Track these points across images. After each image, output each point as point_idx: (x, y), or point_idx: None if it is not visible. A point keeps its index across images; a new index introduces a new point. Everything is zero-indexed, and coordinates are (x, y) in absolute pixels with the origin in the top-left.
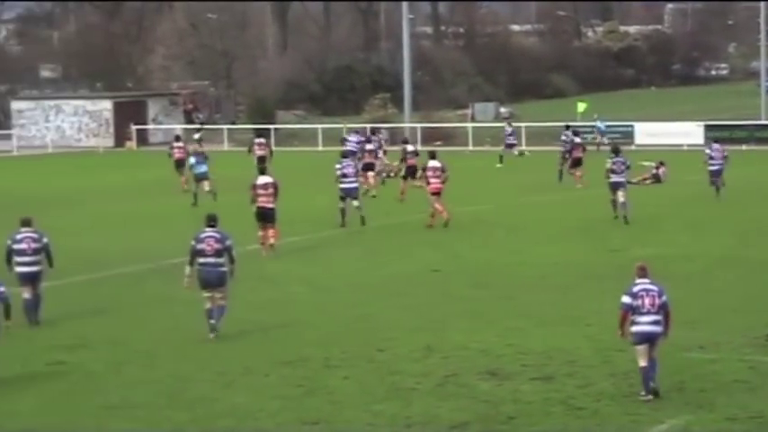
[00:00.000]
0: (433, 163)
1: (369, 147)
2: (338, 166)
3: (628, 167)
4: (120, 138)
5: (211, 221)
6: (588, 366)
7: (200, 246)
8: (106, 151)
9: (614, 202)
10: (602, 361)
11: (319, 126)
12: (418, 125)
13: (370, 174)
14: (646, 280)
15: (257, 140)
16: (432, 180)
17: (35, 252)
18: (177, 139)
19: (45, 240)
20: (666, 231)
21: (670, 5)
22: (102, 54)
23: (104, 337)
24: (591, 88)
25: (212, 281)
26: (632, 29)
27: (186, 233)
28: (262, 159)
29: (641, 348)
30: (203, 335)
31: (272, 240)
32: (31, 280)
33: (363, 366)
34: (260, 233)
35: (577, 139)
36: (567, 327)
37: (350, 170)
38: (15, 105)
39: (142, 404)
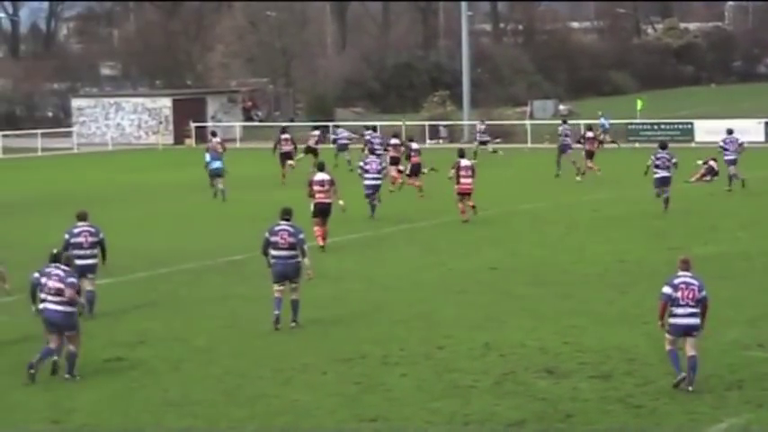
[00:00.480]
0: (464, 162)
1: (393, 141)
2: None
3: (675, 164)
4: (180, 135)
5: (286, 215)
6: (647, 364)
7: (273, 238)
8: (165, 148)
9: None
10: (661, 359)
11: (378, 123)
12: (477, 122)
13: (393, 168)
14: (688, 273)
15: (283, 136)
16: (463, 180)
17: (92, 246)
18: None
19: (101, 235)
20: (725, 229)
21: (730, 3)
22: (161, 52)
23: (163, 333)
24: (650, 85)
25: (288, 273)
26: (692, 26)
27: (243, 230)
28: (288, 155)
29: (671, 338)
30: (261, 331)
31: (323, 242)
32: (87, 273)
33: (421, 364)
34: (316, 228)
35: (590, 134)
36: (625, 325)
37: (374, 166)
38: (76, 103)
39: (201, 401)
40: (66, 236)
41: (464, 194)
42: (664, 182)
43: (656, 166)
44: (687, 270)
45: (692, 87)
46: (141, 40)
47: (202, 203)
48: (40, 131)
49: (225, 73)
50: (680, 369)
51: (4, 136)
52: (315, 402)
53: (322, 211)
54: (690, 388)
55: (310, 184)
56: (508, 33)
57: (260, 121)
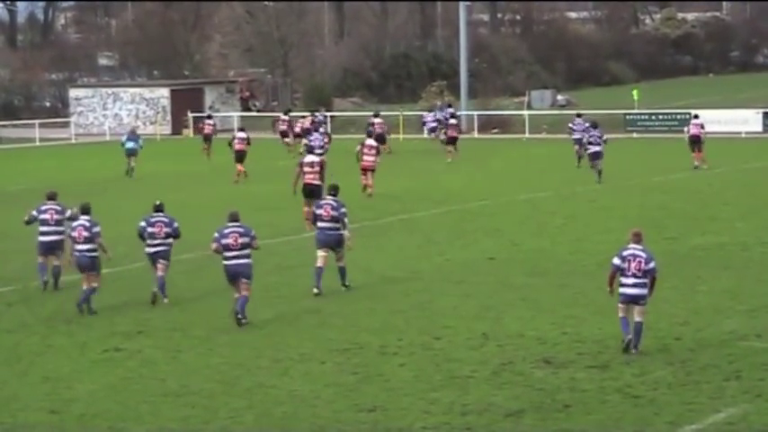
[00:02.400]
0: (368, 141)
1: (452, 121)
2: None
3: (605, 140)
4: (178, 125)
5: (332, 191)
6: (644, 355)
7: (318, 211)
8: (163, 139)
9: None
10: (659, 349)
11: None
12: (475, 113)
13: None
14: (638, 246)
15: (238, 135)
16: (366, 158)
17: (166, 236)
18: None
19: (176, 225)
20: (724, 220)
21: None
22: (159, 42)
23: (162, 324)
24: (648, 75)
25: (330, 242)
26: (690, 15)
27: (244, 220)
28: (240, 153)
29: (622, 307)
30: (260, 322)
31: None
32: (158, 259)
33: (420, 354)
34: (305, 209)
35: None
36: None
37: (316, 143)
38: (73, 93)
39: (199, 391)
40: (143, 223)
41: (366, 170)
42: (596, 156)
43: (590, 143)
44: (638, 243)
45: (690, 77)
46: (139, 29)
47: (201, 194)
48: (37, 122)
49: (223, 63)
50: (629, 333)
51: (2, 126)
52: (313, 392)
53: (311, 192)
54: (634, 351)
55: (300, 165)
56: (506, 23)
57: (258, 111)
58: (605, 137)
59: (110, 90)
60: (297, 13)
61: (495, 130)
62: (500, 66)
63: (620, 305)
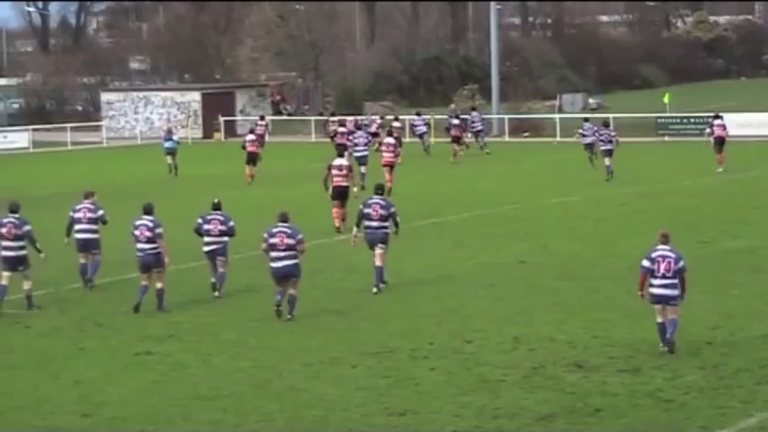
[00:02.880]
0: (387, 139)
1: (455, 122)
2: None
3: (617, 140)
4: (209, 129)
5: (378, 190)
6: (676, 359)
7: (366, 210)
8: (194, 142)
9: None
10: (691, 353)
11: (407, 117)
12: (506, 116)
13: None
14: (666, 247)
15: (248, 137)
16: (385, 155)
17: (220, 234)
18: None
19: (231, 224)
20: (757, 223)
21: None
22: (190, 46)
23: (193, 327)
24: (680, 79)
25: (377, 240)
26: (722, 19)
27: (272, 224)
28: (252, 157)
29: (658, 308)
30: (290, 325)
31: (341, 223)
32: (215, 257)
33: (450, 358)
34: (334, 209)
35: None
36: (654, 319)
37: (361, 140)
38: (105, 97)
39: (230, 394)
40: (200, 221)
41: (386, 166)
42: (608, 153)
43: (601, 140)
44: (666, 244)
45: (721, 81)
46: (170, 33)
47: (232, 197)
48: (69, 125)
49: (254, 67)
50: (665, 344)
51: (35, 130)
52: (344, 396)
53: (340, 195)
54: (665, 349)
55: (329, 168)
56: (537, 27)
57: (288, 115)
58: (616, 137)
59: (141, 94)
60: (328, 17)
61: (526, 134)
62: (531, 69)
63: (656, 307)
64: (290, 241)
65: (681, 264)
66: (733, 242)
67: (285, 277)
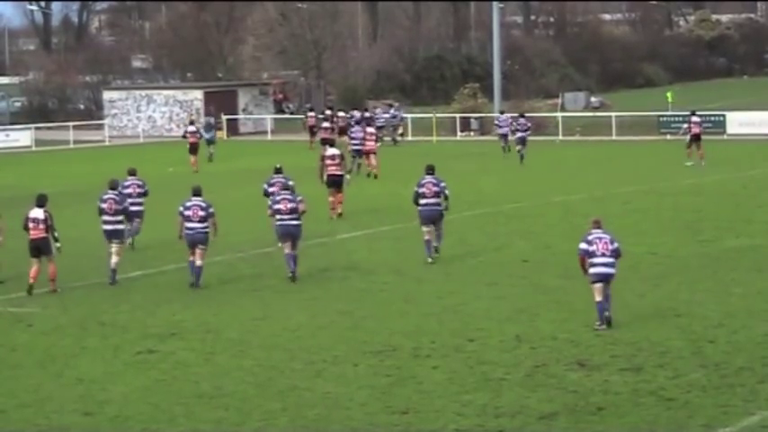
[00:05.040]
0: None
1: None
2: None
3: (529, 128)
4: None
5: (429, 169)
6: (678, 357)
7: (421, 189)
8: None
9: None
10: (693, 352)
11: (409, 116)
12: (508, 115)
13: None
14: (599, 230)
15: (190, 129)
16: (368, 143)
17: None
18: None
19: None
20: (759, 222)
21: None
22: (192, 44)
23: (195, 326)
24: (682, 77)
25: (434, 217)
26: (724, 17)
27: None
28: (194, 147)
29: (598, 287)
30: (293, 324)
31: (339, 209)
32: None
33: (453, 356)
34: (330, 198)
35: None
36: (656, 317)
37: (358, 135)
38: (107, 95)
39: (232, 393)
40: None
41: (368, 153)
42: (522, 141)
43: (517, 130)
44: (599, 228)
45: (724, 79)
46: (172, 32)
47: (234, 196)
48: (71, 124)
49: (256, 65)
50: (603, 322)
51: (37, 128)
52: (346, 395)
53: (335, 183)
54: (604, 326)
55: (322, 158)
56: (539, 25)
57: (291, 113)
58: (530, 126)
59: (143, 92)
60: (330, 16)
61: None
62: (533, 68)
63: (595, 286)
64: (292, 205)
65: (616, 244)
66: (735, 241)
67: (287, 236)
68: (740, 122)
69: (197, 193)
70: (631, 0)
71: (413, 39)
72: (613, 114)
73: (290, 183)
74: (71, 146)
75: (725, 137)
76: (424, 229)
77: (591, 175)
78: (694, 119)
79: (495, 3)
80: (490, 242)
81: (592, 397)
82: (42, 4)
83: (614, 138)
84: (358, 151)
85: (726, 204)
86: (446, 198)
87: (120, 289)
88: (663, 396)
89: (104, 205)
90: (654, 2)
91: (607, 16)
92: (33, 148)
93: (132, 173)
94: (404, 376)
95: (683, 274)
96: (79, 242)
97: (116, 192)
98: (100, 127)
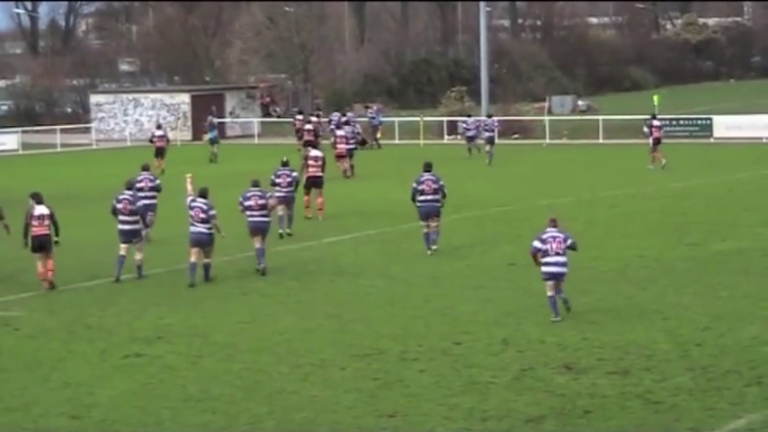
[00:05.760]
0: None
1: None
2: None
3: (497, 128)
4: (198, 131)
5: (427, 167)
6: (665, 361)
7: (420, 186)
8: (184, 144)
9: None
10: (680, 355)
11: (396, 119)
12: (495, 118)
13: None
14: (555, 229)
15: (157, 132)
16: (338, 145)
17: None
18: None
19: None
20: (746, 225)
21: None
22: (179, 48)
23: (182, 329)
24: (669, 81)
25: (432, 212)
26: (711, 21)
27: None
28: (160, 150)
29: (549, 284)
30: (280, 327)
31: (321, 214)
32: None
33: (440, 359)
34: (306, 197)
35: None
36: (644, 321)
37: (348, 135)
38: (94, 99)
39: (219, 396)
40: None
41: (340, 156)
42: (490, 140)
43: (486, 130)
44: (555, 227)
45: (711, 83)
46: (160, 35)
47: (221, 199)
48: (59, 127)
49: (243, 69)
50: (558, 314)
51: (24, 132)
52: (333, 398)
53: (314, 184)
54: (559, 318)
55: (306, 159)
56: (527, 29)
57: (278, 116)
58: (497, 126)
59: (130, 96)
60: (317, 19)
61: (516, 136)
62: (521, 71)
63: (547, 284)
64: (262, 201)
65: (569, 241)
66: (722, 244)
67: (257, 231)
68: (727, 126)
69: (203, 194)
70: (619, 0)
71: (400, 42)
72: (600, 118)
73: (294, 174)
74: (58, 149)
75: (711, 140)
76: (423, 224)
77: (578, 179)
78: (655, 123)
79: (482, 5)
80: (477, 245)
81: (579, 400)
82: (29, 6)
83: (601, 141)
84: (349, 150)
85: (713, 208)
86: (444, 195)
87: (108, 292)
88: (650, 399)
89: (119, 205)
90: (641, 5)
91: (594, 20)
92: (20, 152)
93: (145, 168)
94: (391, 379)
95: (670, 277)
96: (66, 245)
97: (131, 192)
98: (87, 130)
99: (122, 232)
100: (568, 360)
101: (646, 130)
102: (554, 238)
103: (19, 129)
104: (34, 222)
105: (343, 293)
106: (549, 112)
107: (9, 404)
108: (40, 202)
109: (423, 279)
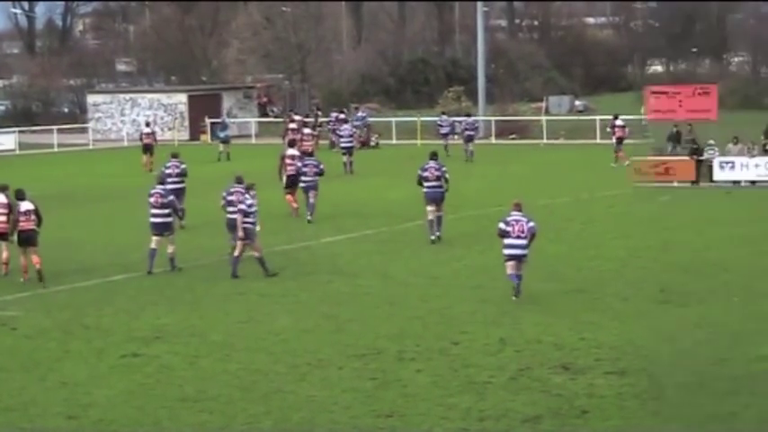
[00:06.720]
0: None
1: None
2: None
3: (477, 128)
4: (195, 131)
5: (433, 155)
6: (663, 361)
7: (425, 173)
8: (181, 144)
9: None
10: (678, 356)
11: (393, 119)
12: (492, 118)
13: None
14: (519, 213)
15: (145, 130)
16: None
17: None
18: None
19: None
20: (729, 225)
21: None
22: (177, 48)
23: (180, 329)
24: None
25: (436, 198)
26: None
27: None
28: (148, 147)
29: (510, 264)
30: (277, 327)
31: (296, 203)
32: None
33: (437, 359)
34: (288, 196)
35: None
36: (641, 321)
37: (346, 132)
38: (91, 99)
39: (216, 396)
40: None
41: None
42: (469, 138)
43: (465, 129)
44: (519, 210)
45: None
46: (157, 36)
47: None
48: (56, 127)
49: (240, 69)
50: (518, 292)
51: (21, 132)
52: (330, 398)
53: (294, 182)
54: (514, 297)
55: (283, 158)
56: (524, 29)
57: (275, 116)
58: (477, 124)
59: (127, 96)
60: (314, 19)
61: (513, 136)
62: (518, 71)
63: (507, 264)
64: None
65: (531, 224)
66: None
67: (234, 228)
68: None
69: (239, 181)
70: (616, 0)
71: (397, 42)
72: (597, 118)
73: (321, 166)
74: (55, 149)
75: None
76: (429, 208)
77: (575, 179)
78: (618, 122)
79: (479, 5)
80: (474, 245)
81: (576, 400)
82: (26, 6)
83: (598, 141)
84: (348, 149)
85: (713, 209)
86: (446, 181)
87: (105, 292)
88: (647, 399)
89: (151, 199)
90: (638, 5)
91: (591, 20)
92: (17, 152)
93: (175, 155)
94: (388, 379)
95: (667, 276)
96: (64, 245)
97: (162, 186)
98: (84, 130)
99: (154, 225)
100: (566, 360)
101: (609, 129)
102: (517, 221)
103: (16, 129)
104: (21, 218)
105: (341, 293)
106: (547, 112)
107: (6, 404)
108: (22, 198)
109: (420, 279)
